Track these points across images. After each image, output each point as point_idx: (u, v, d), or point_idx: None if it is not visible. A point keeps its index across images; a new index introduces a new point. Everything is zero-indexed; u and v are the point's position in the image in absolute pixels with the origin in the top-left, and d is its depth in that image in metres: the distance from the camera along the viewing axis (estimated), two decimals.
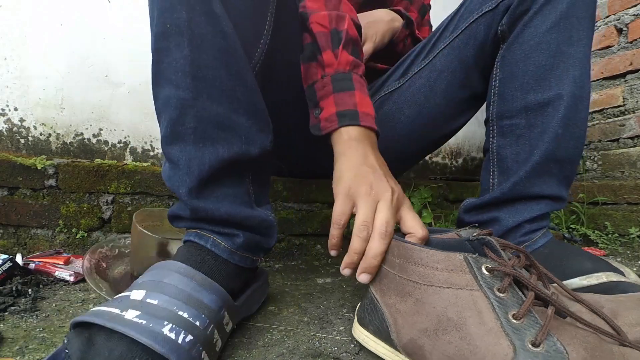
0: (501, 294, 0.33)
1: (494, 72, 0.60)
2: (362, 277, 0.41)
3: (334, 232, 0.46)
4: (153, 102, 0.42)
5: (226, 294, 0.39)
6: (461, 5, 0.66)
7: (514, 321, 0.31)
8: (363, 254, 0.42)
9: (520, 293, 0.33)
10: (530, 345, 0.30)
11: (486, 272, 0.34)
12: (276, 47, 0.52)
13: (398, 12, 0.81)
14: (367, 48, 0.75)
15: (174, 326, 0.32)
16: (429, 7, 0.93)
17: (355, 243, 0.43)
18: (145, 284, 0.36)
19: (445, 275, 0.35)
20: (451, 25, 0.67)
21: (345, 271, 0.44)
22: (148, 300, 0.34)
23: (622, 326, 0.39)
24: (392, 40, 0.79)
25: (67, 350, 0.31)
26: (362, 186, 0.46)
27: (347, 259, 0.43)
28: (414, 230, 0.44)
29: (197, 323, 0.34)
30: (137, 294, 0.35)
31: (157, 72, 0.40)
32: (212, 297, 0.38)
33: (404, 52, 0.76)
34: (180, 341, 0.31)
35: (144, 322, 0.31)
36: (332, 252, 0.48)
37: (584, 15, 0.53)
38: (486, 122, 0.63)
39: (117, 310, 0.32)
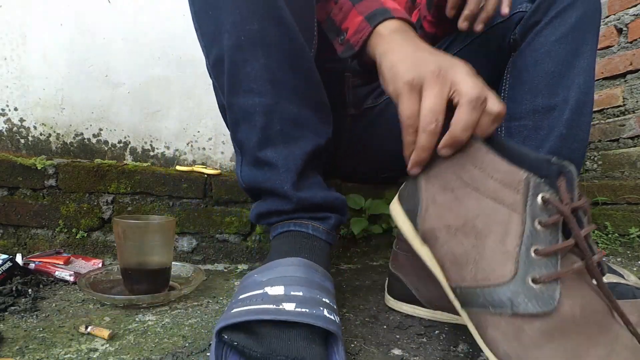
0: (540, 227, 0.32)
1: (505, 78, 0.63)
2: (444, 152, 0.37)
3: (409, 139, 0.38)
4: (224, 111, 0.45)
5: (333, 283, 0.43)
6: None
7: (533, 255, 0.32)
8: (433, 150, 0.37)
9: (559, 235, 0.32)
10: (530, 280, 0.31)
11: (540, 202, 0.32)
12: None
13: None
14: None
15: (328, 310, 0.36)
16: None
17: (422, 139, 0.37)
18: (278, 280, 0.38)
19: (496, 187, 0.34)
20: (461, 34, 0.69)
21: (414, 170, 0.39)
22: (292, 293, 0.36)
23: None
24: None
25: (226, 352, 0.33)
26: (427, 70, 0.37)
27: (415, 157, 0.38)
28: (459, 95, 0.36)
29: (335, 307, 0.39)
30: (276, 290, 0.37)
31: (234, 83, 0.42)
32: (332, 284, 0.42)
33: None
34: (337, 320, 0.36)
35: (306, 310, 0.34)
36: (413, 170, 0.39)
37: (590, 29, 0.57)
38: None
39: (271, 306, 0.34)
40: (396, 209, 0.43)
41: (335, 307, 0.38)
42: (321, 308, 0.35)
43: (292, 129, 0.44)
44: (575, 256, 0.33)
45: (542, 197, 0.32)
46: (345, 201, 0.52)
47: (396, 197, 0.44)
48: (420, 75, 0.37)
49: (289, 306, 0.34)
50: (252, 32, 0.41)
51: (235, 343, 0.33)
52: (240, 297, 0.37)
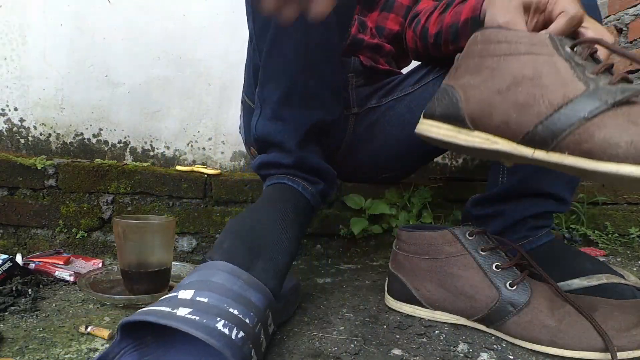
0: (581, 60, 0.35)
1: None
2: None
3: None
4: (256, 73, 0.52)
5: (270, 294, 0.40)
6: None
7: (590, 75, 0.34)
8: None
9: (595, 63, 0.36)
10: (601, 83, 0.33)
11: (568, 50, 0.36)
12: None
13: None
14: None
15: (226, 322, 0.32)
16: None
17: None
18: (192, 284, 0.37)
19: (527, 47, 0.37)
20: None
21: None
22: (198, 298, 0.34)
23: (609, 331, 0.40)
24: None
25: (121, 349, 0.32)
26: None
27: None
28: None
29: (247, 321, 0.34)
30: (185, 294, 0.35)
31: (273, 48, 0.48)
32: (259, 296, 0.38)
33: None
34: (233, 337, 0.32)
35: (197, 318, 0.31)
36: None
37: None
38: None
39: (167, 309, 0.32)
40: (426, 124, 0.43)
41: (247, 321, 0.34)
42: (218, 319, 0.32)
43: (309, 99, 0.51)
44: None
45: (570, 46, 0.36)
46: (336, 176, 0.57)
47: (422, 117, 0.44)
48: None
49: (182, 311, 0.32)
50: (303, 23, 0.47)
51: (116, 340, 0.32)
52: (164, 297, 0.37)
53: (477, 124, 0.38)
